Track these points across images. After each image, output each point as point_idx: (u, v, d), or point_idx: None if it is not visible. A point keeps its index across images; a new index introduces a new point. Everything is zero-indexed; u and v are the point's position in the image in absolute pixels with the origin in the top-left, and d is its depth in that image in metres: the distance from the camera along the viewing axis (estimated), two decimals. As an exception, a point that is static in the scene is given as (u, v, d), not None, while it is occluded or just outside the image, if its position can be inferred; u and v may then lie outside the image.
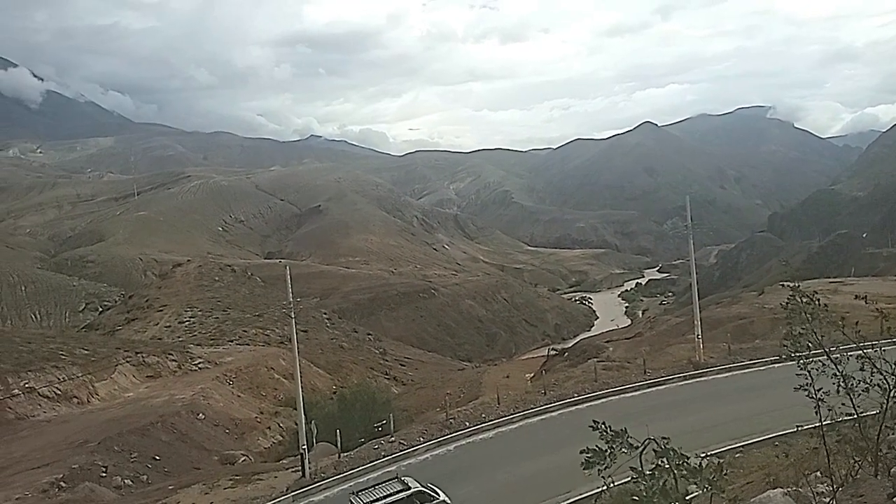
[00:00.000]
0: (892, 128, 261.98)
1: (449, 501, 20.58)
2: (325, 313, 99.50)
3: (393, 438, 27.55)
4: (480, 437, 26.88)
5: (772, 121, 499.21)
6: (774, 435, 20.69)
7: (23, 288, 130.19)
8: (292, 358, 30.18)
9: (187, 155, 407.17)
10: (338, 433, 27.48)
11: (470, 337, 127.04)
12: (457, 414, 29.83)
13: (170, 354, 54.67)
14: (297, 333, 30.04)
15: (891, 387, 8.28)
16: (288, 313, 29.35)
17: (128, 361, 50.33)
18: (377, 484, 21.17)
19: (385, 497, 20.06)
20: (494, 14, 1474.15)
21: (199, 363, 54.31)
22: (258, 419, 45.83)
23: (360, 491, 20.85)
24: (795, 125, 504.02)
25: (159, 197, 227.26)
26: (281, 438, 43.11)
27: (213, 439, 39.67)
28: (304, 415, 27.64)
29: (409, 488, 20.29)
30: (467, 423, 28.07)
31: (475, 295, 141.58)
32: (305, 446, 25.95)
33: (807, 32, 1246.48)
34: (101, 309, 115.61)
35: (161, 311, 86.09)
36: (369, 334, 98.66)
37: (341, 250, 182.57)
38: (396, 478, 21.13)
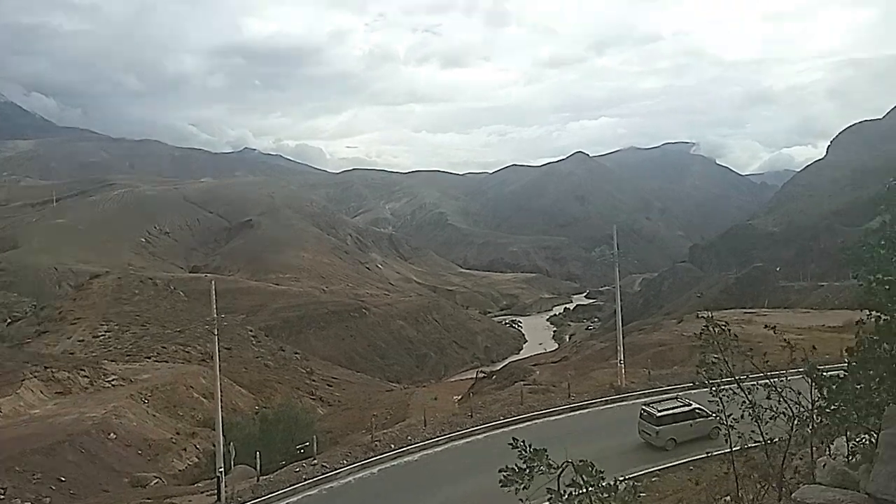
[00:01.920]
0: (805, 168, 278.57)
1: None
2: (251, 330, 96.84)
3: (315, 461, 26.91)
4: (405, 459, 26.61)
5: (696, 156, 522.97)
6: (688, 460, 21.35)
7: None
8: (213, 376, 29.12)
9: (112, 162, 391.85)
10: (258, 455, 26.63)
11: (400, 358, 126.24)
12: (382, 436, 29.47)
13: (81, 370, 51.81)
14: (219, 351, 29.05)
15: (795, 415, 8.68)
16: (211, 330, 28.34)
17: (35, 376, 47.37)
18: (662, 401, 26.74)
19: (673, 409, 25.49)
20: (437, 39, 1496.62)
21: (113, 380, 51.71)
22: (174, 440, 43.86)
23: (649, 404, 26.42)
24: (717, 162, 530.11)
25: (80, 205, 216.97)
26: (197, 460, 41.31)
27: (125, 461, 37.73)
28: (223, 436, 26.65)
29: (690, 405, 25.34)
30: (393, 446, 27.75)
31: (407, 315, 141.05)
32: (222, 469, 25.00)
33: (731, 74, 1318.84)
34: (9, 320, 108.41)
35: (75, 324, 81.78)
36: (296, 353, 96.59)
37: (271, 266, 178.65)
38: (676, 397, 26.38)
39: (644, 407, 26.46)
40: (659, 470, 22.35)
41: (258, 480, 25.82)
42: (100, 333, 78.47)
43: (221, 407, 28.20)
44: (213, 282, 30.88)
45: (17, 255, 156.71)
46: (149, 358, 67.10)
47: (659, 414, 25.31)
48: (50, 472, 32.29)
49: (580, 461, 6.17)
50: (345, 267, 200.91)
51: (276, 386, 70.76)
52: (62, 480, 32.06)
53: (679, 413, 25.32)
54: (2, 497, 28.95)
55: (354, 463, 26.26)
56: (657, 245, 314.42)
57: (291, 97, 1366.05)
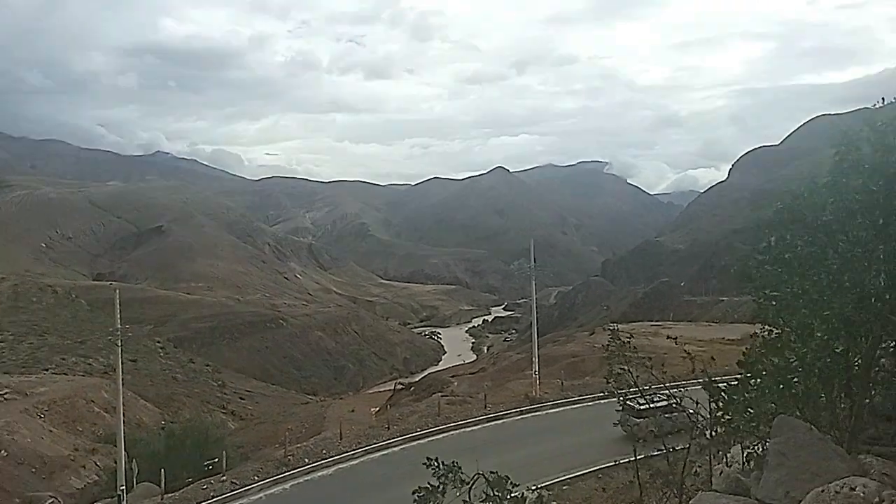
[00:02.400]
0: (708, 189, 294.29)
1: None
2: (158, 342, 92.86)
3: (224, 477, 26.00)
4: (320, 474, 26.14)
5: (608, 175, 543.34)
6: (597, 468, 22.01)
7: None
8: (116, 389, 27.71)
9: (11, 162, 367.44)
10: (162, 472, 25.48)
11: (317, 370, 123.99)
12: (296, 450, 28.83)
13: (-32, 384, 48.16)
14: (123, 363, 27.69)
15: (694, 424, 9.16)
16: (114, 341, 27.00)
17: (-88, 391, 43.67)
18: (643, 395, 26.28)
19: (654, 403, 24.11)
20: (361, 49, 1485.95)
21: (6, 393, 48.22)
22: (72, 457, 41.33)
23: (631, 398, 25.50)
24: (628, 181, 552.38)
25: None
26: (97, 478, 39.08)
27: (16, 479, 35.25)
28: (125, 452, 25.38)
29: (669, 400, 23.93)
30: (307, 460, 27.21)
31: (325, 326, 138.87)
32: (124, 487, 23.81)
33: (642, 98, 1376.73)
34: None
35: (-38, 333, 75.96)
36: (208, 365, 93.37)
37: (183, 275, 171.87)
38: (656, 393, 25.85)
39: (627, 400, 27.32)
40: (570, 478, 22.91)
41: (162, 499, 24.69)
42: (-10, 344, 73.24)
43: (124, 422, 26.88)
44: (117, 290, 29.42)
45: None
46: (46, 370, 63.31)
47: (640, 407, 26.10)
48: (-73, 495, 29.77)
49: (492, 473, 6.29)
50: (262, 276, 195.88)
51: (184, 400, 68.15)
52: (-59, 504, 29.64)
53: (659, 407, 26.18)
54: None
55: (266, 478, 25.56)
56: (572, 259, 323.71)
57: (209, 101, 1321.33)
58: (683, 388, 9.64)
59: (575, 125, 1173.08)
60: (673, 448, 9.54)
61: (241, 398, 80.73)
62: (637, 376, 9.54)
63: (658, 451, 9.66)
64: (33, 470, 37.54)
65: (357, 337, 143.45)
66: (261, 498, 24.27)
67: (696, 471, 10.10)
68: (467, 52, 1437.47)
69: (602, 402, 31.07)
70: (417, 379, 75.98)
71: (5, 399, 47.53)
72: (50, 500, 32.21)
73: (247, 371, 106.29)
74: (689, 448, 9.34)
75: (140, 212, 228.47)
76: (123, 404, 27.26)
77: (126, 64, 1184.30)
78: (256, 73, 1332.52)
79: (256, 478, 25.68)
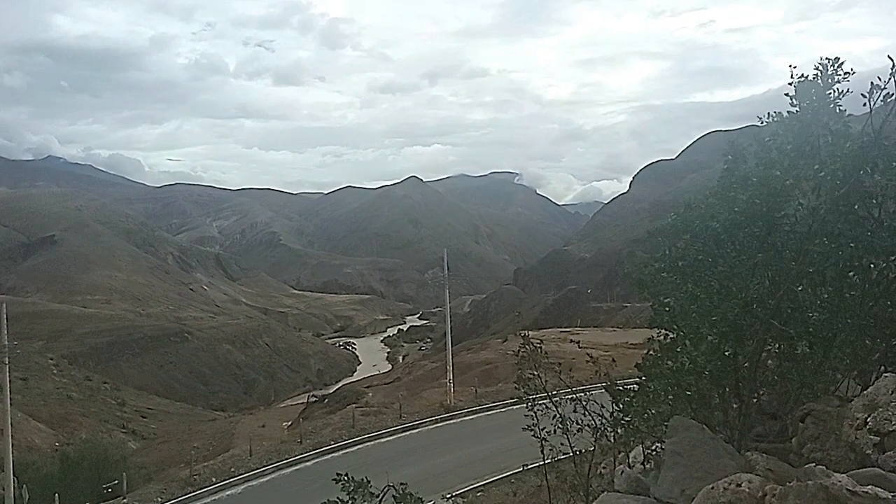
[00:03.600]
0: (611, 201, 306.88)
1: None
2: (51, 359, 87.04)
3: (125, 500, 24.69)
4: (228, 493, 25.26)
5: (519, 186, 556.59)
6: (510, 473, 22.41)
7: None
8: (3, 410, 25.73)
9: None
10: (56, 498, 23.86)
11: (226, 384, 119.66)
12: (202, 469, 27.76)
13: None
14: (11, 382, 25.76)
15: (598, 426, 9.50)
16: (1, 358, 25.10)
17: None
18: None
19: None
20: (269, 54, 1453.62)
21: None
22: (-51, 487, 37.95)
23: None
24: (538, 191, 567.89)
25: None
26: (-20, 509, 36.10)
27: None
28: (14, 477, 23.59)
29: None
30: (214, 479, 26.23)
31: (234, 339, 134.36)
32: (11, 517, 22.10)
33: (548, 112, 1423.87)
34: None
35: None
36: (105, 383, 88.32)
37: (78, 287, 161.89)
38: None
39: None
40: (483, 485, 23.19)
41: (55, 527, 23.13)
42: None
43: (13, 445, 24.99)
44: (3, 304, 27.40)
45: None
46: (-82, 394, 57.66)
47: None
48: None
49: (401, 485, 6.30)
50: (165, 288, 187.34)
51: (80, 420, 64.19)
52: None
53: None
54: None
55: (170, 500, 24.48)
56: (485, 268, 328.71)
57: (105, 103, 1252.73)
58: (589, 391, 9.98)
59: (486, 136, 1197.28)
60: (580, 451, 9.85)
61: (142, 416, 76.84)
62: (546, 381, 9.81)
63: (565, 454, 9.94)
64: None
65: (268, 349, 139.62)
66: (164, 521, 23.20)
67: (601, 472, 10.47)
68: (379, 62, 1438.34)
69: (514, 407, 31.71)
70: (331, 391, 74.82)
71: None
72: (-77, 536, 29.45)
73: (149, 388, 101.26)
74: (593, 450, 9.67)
75: (30, 220, 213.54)
76: (12, 425, 25.33)
77: (12, 62, 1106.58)
78: (158, 76, 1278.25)
79: (160, 499, 24.54)
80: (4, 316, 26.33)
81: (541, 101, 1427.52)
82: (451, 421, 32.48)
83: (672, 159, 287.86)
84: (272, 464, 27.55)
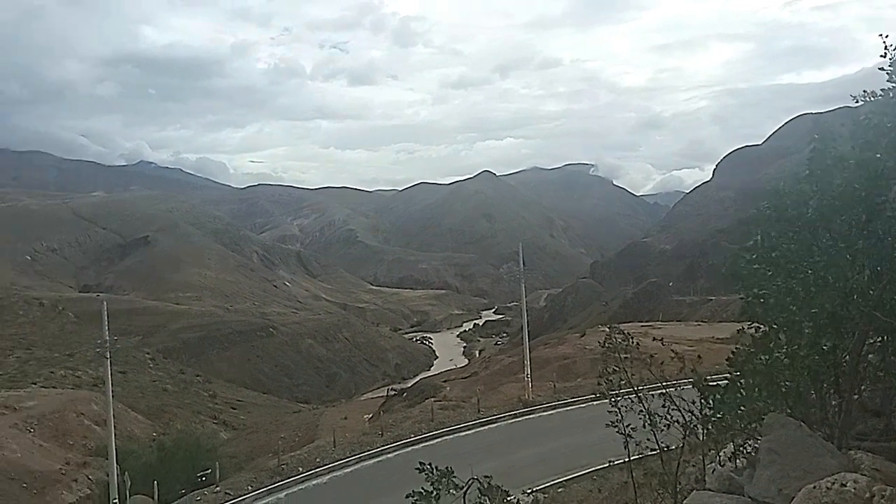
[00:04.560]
0: (693, 190, 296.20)
1: None
2: (148, 353, 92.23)
3: (218, 488, 25.85)
4: (314, 482, 26.03)
5: (594, 177, 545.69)
6: (592, 469, 22.08)
7: None
8: (106, 402, 27.49)
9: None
10: (155, 485, 25.30)
11: (309, 377, 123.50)
12: (290, 459, 28.71)
13: (-45, 400, 47.61)
14: (112, 375, 27.50)
15: (687, 423, 9.23)
16: (103, 353, 26.81)
17: None
18: None
19: None
20: (344, 56, 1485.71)
21: (-7, 409, 47.72)
22: (63, 471, 40.92)
23: None
24: (614, 182, 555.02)
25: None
26: (90, 492, 38.74)
27: (7, 495, 34.90)
28: (117, 465, 25.19)
29: None
30: (300, 469, 27.09)
31: (316, 334, 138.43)
32: (117, 500, 23.60)
33: (624, 101, 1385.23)
34: None
35: (-52, 349, 75.15)
36: (198, 376, 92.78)
37: (171, 285, 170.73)
38: None
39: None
40: (565, 480, 22.97)
41: (156, 511, 24.53)
42: (-23, 359, 72.49)
43: (115, 434, 26.68)
44: (104, 302, 29.22)
45: None
46: (35, 383, 62.65)
47: None
48: (-85, 514, 29.38)
49: (486, 477, 6.33)
50: (250, 285, 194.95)
51: (175, 411, 67.70)
52: (-71, 523, 29.25)
53: None
54: None
55: (260, 488, 25.43)
56: (560, 262, 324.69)
57: (191, 109, 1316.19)
58: (675, 387, 9.70)
59: (559, 128, 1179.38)
60: (667, 447, 9.61)
61: (232, 408, 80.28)
62: (631, 375, 9.61)
63: (652, 451, 9.71)
64: (24, 485, 37.12)
65: (348, 344, 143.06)
66: (255, 508, 24.17)
67: (690, 469, 10.18)
68: (450, 57, 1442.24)
69: (594, 403, 31.23)
70: (410, 384, 75.91)
71: (-7, 414, 47.03)
72: (40, 516, 31.90)
73: (238, 380, 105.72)
74: (682, 447, 9.41)
75: (125, 222, 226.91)
76: (114, 417, 27.05)
77: (104, 73, 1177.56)
78: (239, 81, 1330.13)
79: (250, 488, 25.53)
80: (105, 313, 28.09)
81: (616, 90, 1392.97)
82: (530, 416, 32.30)
83: (758, 145, 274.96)
84: (355, 455, 28.21)
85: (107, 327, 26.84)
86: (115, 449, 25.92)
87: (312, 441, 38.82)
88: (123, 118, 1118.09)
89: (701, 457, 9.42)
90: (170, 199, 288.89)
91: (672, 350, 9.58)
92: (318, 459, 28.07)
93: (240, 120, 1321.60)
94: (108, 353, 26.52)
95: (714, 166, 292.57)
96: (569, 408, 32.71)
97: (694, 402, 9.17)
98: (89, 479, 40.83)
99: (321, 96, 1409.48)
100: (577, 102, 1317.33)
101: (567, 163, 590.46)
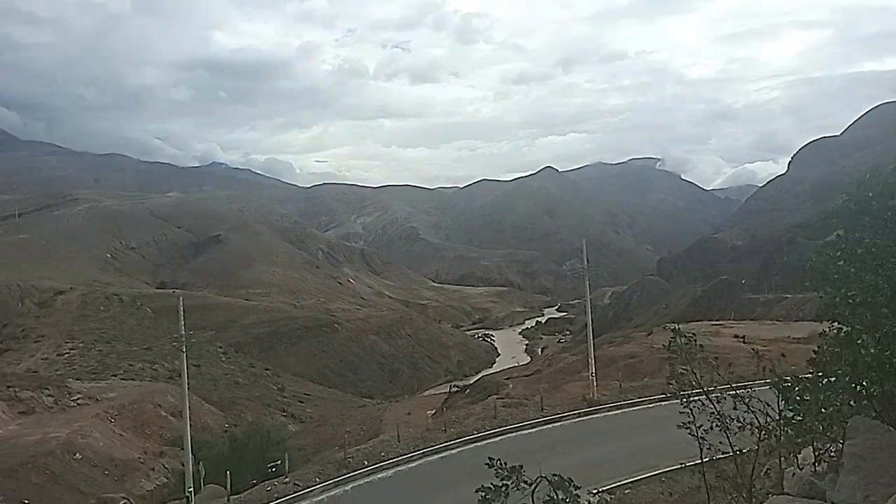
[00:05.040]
0: (767, 183, 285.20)
1: None
2: (220, 347, 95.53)
3: (287, 479, 26.58)
4: (379, 476, 26.43)
5: (661, 172, 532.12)
6: (661, 471, 21.59)
7: None
8: (182, 394, 28.69)
9: (77, 176, 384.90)
10: (228, 475, 26.21)
11: (372, 373, 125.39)
12: (355, 452, 29.23)
13: (46, 389, 50.47)
14: (188, 368, 28.65)
15: (763, 426, 8.91)
16: (179, 347, 27.98)
17: (-5, 397, 46.06)
18: None
19: None
20: (406, 55, 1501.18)
21: (79, 399, 50.44)
22: (141, 460, 42.94)
23: None
24: (682, 177, 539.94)
25: (43, 219, 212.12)
26: (166, 480, 40.49)
27: (91, 481, 36.80)
28: (192, 455, 26.23)
29: None
30: (366, 462, 27.55)
31: (379, 330, 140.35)
32: (192, 489, 24.60)
33: (693, 92, 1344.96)
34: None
35: (38, 342, 79.81)
36: (267, 369, 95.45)
37: (241, 282, 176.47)
38: None
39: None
40: (632, 482, 22.55)
41: (228, 500, 25.40)
42: (64, 351, 76.73)
43: (190, 425, 27.78)
44: (181, 298, 30.46)
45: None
46: (115, 376, 65.77)
47: None
48: (13, 494, 31.36)
49: (554, 475, 6.27)
50: (316, 282, 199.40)
51: (246, 403, 69.82)
52: (26, 503, 31.15)
53: None
54: (-39, 522, 28.01)
55: (327, 480, 25.98)
56: (626, 258, 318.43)
57: (260, 111, 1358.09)
58: (750, 387, 9.37)
59: (624, 122, 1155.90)
60: (740, 450, 9.30)
61: (300, 401, 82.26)
62: (701, 377, 9.32)
63: (725, 453, 9.42)
64: (106, 472, 39.10)
65: (410, 340, 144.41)
66: (322, 500, 24.69)
67: (766, 473, 9.82)
68: (512, 53, 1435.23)
69: (662, 403, 30.51)
70: (472, 381, 75.96)
71: (78, 404, 49.70)
72: (122, 502, 33.55)
73: (305, 375, 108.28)
74: (757, 450, 9.09)
75: (199, 221, 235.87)
76: (189, 408, 28.18)
77: (179, 78, 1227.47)
78: (305, 83, 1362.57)
79: (318, 479, 26.13)
80: (182, 309, 29.28)
81: (684, 81, 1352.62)
82: (595, 415, 31.83)
83: (837, 136, 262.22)
84: (419, 450, 28.47)
85: (183, 322, 27.96)
86: (191, 439, 26.97)
87: (377, 435, 39.40)
88: (196, 121, 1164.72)
89: (778, 460, 9.08)
90: (240, 199, 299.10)
91: (751, 349, 9.24)
92: (382, 453, 28.48)
93: (305, 121, 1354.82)
94: (183, 346, 27.65)
95: (789, 158, 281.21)
96: (635, 408, 32.09)
97: (769, 404, 8.84)
98: (166, 467, 42.68)
99: (383, 95, 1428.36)
100: (642, 95, 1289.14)
101: (632, 157, 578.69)
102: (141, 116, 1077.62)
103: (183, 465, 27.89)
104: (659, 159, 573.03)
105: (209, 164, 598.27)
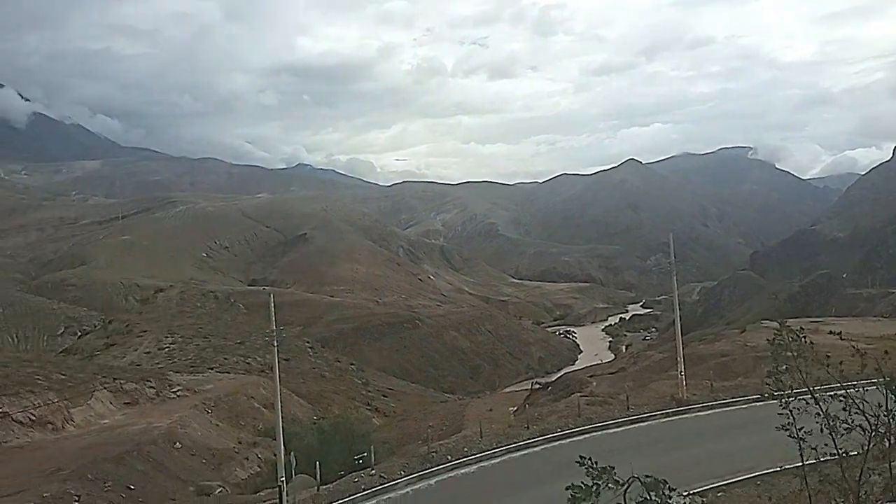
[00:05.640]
0: (870, 171, 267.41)
1: None
2: (307, 342, 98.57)
3: (373, 472, 27.12)
4: (462, 471, 26.55)
5: (753, 161, 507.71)
6: (757, 474, 20.65)
7: (1, 310, 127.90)
8: (273, 387, 29.79)
9: (174, 180, 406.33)
10: (317, 465, 27.00)
11: (453, 369, 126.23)
12: (439, 447, 29.49)
13: (148, 381, 53.63)
14: (279, 362, 29.70)
15: (873, 428, 8.35)
16: (270, 341, 29.04)
17: (105, 387, 49.26)
18: None
19: None
20: (484, 50, 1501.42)
21: (178, 391, 53.34)
22: (236, 449, 44.93)
23: None
24: (777, 166, 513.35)
25: (144, 221, 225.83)
26: (259, 469, 42.17)
27: (190, 469, 38.80)
28: (284, 446, 27.19)
29: None
30: (449, 457, 27.73)
31: (459, 326, 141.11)
32: (284, 478, 25.48)
33: (788, 77, 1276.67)
34: (79, 333, 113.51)
35: (141, 336, 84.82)
36: (352, 364, 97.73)
37: (326, 279, 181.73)
38: None
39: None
40: (725, 485, 21.66)
41: (318, 490, 26.17)
42: (165, 345, 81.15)
43: (282, 417, 28.81)
44: (272, 295, 31.62)
45: (86, 271, 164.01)
46: (211, 369, 68.87)
47: None
48: (119, 480, 33.43)
49: (647, 476, 6.09)
50: (397, 279, 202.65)
51: (332, 397, 71.73)
52: (131, 489, 33.17)
53: None
54: (76, 504, 30.03)
55: (412, 474, 26.32)
56: (715, 253, 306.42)
57: (342, 113, 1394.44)
58: (856, 387, 8.79)
59: (712, 110, 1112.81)
60: (846, 453, 8.74)
61: (383, 395, 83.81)
62: (807, 374, 8.82)
63: (828, 456, 8.87)
64: (204, 461, 41.12)
65: (491, 336, 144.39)
66: (408, 493, 25.04)
67: (875, 478, 9.21)
68: (592, 44, 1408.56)
69: (756, 404, 29.19)
70: (553, 378, 75.21)
71: (177, 396, 52.54)
72: (219, 489, 35.23)
73: (387, 370, 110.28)
74: (866, 453, 8.51)
75: (286, 221, 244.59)
76: (281, 401, 29.24)
77: (266, 83, 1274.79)
78: (385, 83, 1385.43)
79: (402, 473, 26.52)
80: (273, 305, 30.38)
81: (777, 66, 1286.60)
82: (684, 415, 30.76)
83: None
84: (501, 447, 28.39)
85: (274, 318, 29.00)
86: (282, 431, 27.97)
87: (459, 431, 39.61)
88: (283, 124, 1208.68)
89: (888, 465, 8.51)
90: (324, 199, 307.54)
91: (853, 346, 8.67)
92: (465, 449, 28.58)
93: (385, 120, 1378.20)
94: (275, 341, 28.67)
95: (895, 144, 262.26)
96: (728, 408, 30.82)
97: (880, 406, 8.29)
98: (259, 457, 44.47)
99: (461, 92, 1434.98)
100: (732, 82, 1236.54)
101: (721, 147, 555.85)
102: (232, 121, 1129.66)
103: (275, 456, 28.94)
104: (751, 148, 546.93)
105: (295, 166, 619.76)
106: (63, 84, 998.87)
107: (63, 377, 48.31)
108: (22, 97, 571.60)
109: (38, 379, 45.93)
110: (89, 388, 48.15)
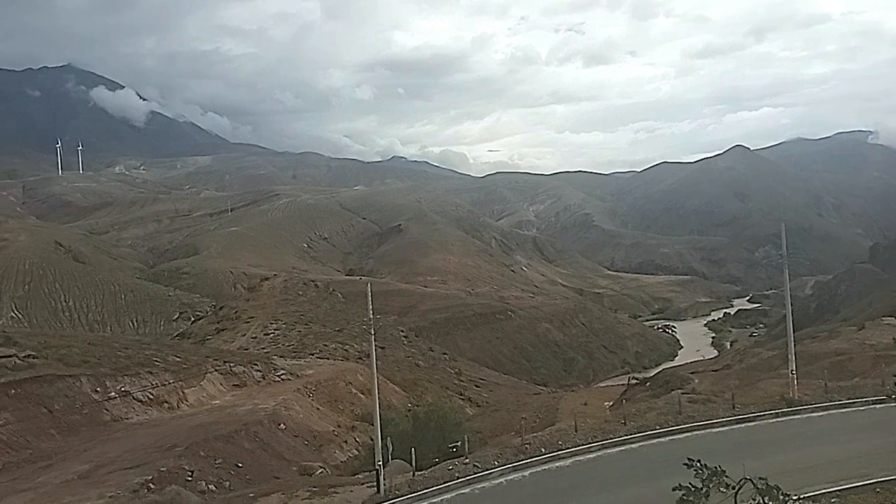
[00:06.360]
0: None
1: None
2: (402, 331, 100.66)
3: (467, 460, 27.30)
4: (557, 464, 26.24)
5: (874, 146, 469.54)
6: (876, 481, 19.21)
7: (123, 297, 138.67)
8: (370, 374, 30.60)
9: (277, 174, 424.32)
10: (412, 451, 27.50)
11: (546, 361, 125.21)
12: (532, 439, 29.28)
13: (255, 365, 56.51)
14: (375, 350, 30.42)
15: None
16: (367, 329, 29.83)
17: (216, 370, 52.33)
18: None
19: None
20: (579, 37, 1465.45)
21: (282, 374, 55.88)
22: (335, 432, 46.56)
23: None
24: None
25: (250, 213, 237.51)
26: (357, 453, 43.55)
27: (293, 450, 40.57)
28: (380, 431, 27.86)
29: None
30: (543, 450, 27.48)
31: (552, 318, 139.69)
32: (381, 462, 26.11)
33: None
34: (193, 319, 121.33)
35: (248, 322, 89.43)
36: (445, 353, 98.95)
37: (420, 269, 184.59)
38: None
39: None
40: (840, 490, 20.27)
41: (413, 475, 26.63)
42: (270, 331, 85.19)
43: (378, 403, 29.52)
44: (369, 284, 32.41)
45: (199, 260, 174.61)
46: (312, 355, 71.69)
47: None
48: (229, 458, 35.45)
49: (760, 479, 5.76)
50: (490, 269, 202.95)
51: (426, 385, 72.86)
52: (239, 466, 35.09)
53: None
54: (189, 479, 32.11)
55: (506, 464, 26.29)
56: (831, 245, 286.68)
57: (436, 105, 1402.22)
58: None
59: (828, 92, 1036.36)
60: None
61: (476, 385, 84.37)
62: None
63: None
64: (305, 442, 42.90)
65: (585, 329, 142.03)
66: (501, 483, 25.06)
67: None
68: (695, 25, 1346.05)
69: (878, 406, 27.16)
70: (652, 374, 72.99)
71: (281, 379, 55.07)
72: (320, 470, 36.64)
73: (480, 360, 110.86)
74: None
75: (381, 212, 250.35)
76: (377, 387, 29.96)
77: (362, 78, 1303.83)
78: (478, 74, 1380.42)
79: (497, 463, 26.53)
80: (370, 294, 31.14)
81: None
82: (795, 416, 28.98)
83: None
84: (597, 442, 27.82)
85: (371, 307, 29.72)
86: (379, 416, 28.66)
87: (553, 424, 39.16)
88: (378, 118, 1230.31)
89: None
90: (418, 191, 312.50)
91: None
92: (559, 442, 28.23)
93: (479, 111, 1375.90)
94: (372, 329, 29.40)
95: None
96: (844, 409, 28.80)
97: None
98: (356, 440, 45.93)
99: (556, 80, 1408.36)
100: (850, 61, 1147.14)
101: (838, 131, 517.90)
102: (330, 116, 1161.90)
103: (372, 440, 29.72)
104: (872, 132, 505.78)
105: (390, 159, 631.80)
106: (177, 84, 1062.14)
107: (178, 360, 51.74)
108: (140, 97, 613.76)
109: (156, 361, 49.42)
110: (202, 370, 51.30)
